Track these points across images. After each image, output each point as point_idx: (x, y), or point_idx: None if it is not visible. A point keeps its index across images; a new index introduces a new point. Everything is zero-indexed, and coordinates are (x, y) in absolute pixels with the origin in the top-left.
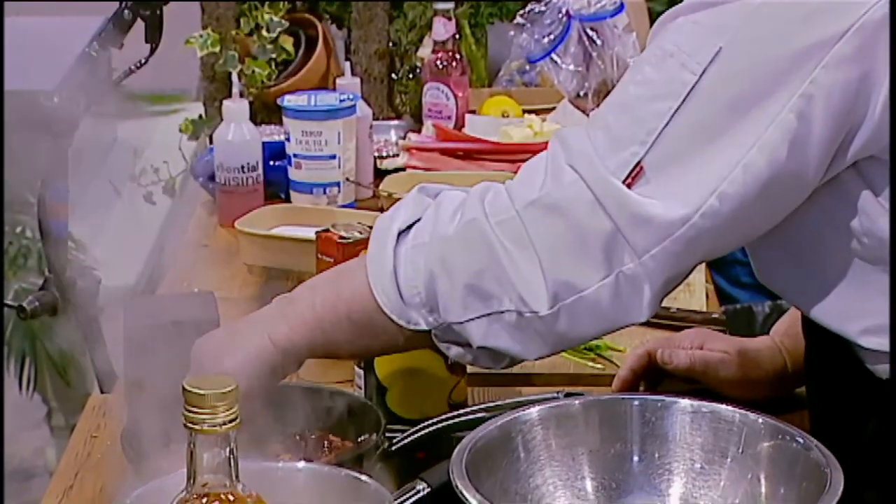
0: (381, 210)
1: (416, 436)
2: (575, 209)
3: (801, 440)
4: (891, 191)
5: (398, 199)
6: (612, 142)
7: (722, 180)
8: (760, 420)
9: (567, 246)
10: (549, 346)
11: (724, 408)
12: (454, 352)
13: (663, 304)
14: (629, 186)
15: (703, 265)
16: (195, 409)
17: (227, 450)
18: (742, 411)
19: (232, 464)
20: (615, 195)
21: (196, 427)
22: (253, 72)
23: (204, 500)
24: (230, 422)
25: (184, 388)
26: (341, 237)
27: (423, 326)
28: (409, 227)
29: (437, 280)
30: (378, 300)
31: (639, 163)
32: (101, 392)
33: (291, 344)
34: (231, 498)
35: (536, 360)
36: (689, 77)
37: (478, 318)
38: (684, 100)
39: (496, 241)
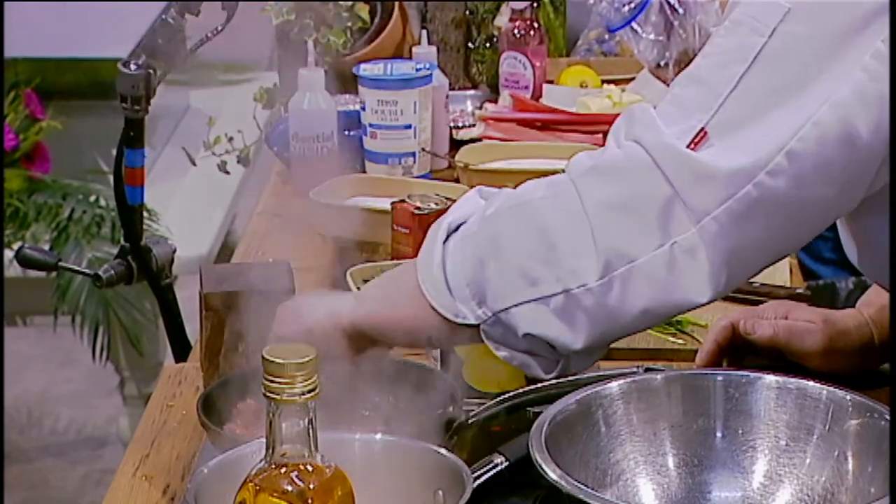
0: (457, 181)
1: (492, 409)
2: (631, 173)
3: (889, 417)
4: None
5: (474, 171)
6: (677, 110)
7: (791, 137)
8: (848, 397)
9: (620, 211)
10: (598, 327)
11: (810, 384)
12: (503, 353)
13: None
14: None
15: None
16: (274, 379)
17: (306, 420)
18: (829, 388)
19: (311, 434)
20: (675, 156)
21: (275, 396)
22: (328, 40)
23: (282, 469)
24: (309, 392)
25: (263, 358)
26: (417, 208)
27: (472, 320)
28: (461, 225)
29: (485, 267)
30: (426, 294)
31: (703, 128)
32: (176, 361)
33: (354, 326)
34: (310, 468)
35: (583, 349)
36: (756, 40)
37: (524, 303)
38: (752, 62)
39: (547, 217)
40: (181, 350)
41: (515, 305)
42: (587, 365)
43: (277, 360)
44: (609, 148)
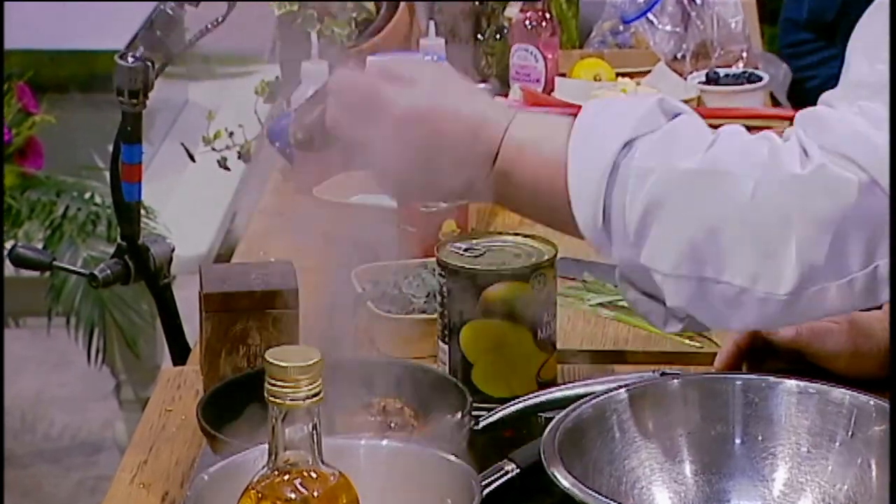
0: None
1: (502, 414)
2: (848, 190)
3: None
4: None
5: None
6: (878, 122)
7: None
8: (871, 402)
9: (831, 229)
10: (760, 325)
11: (832, 389)
12: (631, 296)
13: None
14: None
15: None
16: (277, 383)
17: (310, 425)
18: (852, 392)
19: (315, 440)
20: None
21: (278, 401)
22: (332, 31)
23: (286, 476)
24: (313, 396)
25: (266, 361)
26: (424, 206)
27: (613, 256)
28: (636, 141)
29: (653, 218)
30: (574, 207)
31: None
32: (174, 364)
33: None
34: (314, 475)
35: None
36: None
37: (686, 278)
38: None
39: (748, 201)
40: (180, 352)
41: (674, 276)
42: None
43: (280, 363)
44: (814, 155)
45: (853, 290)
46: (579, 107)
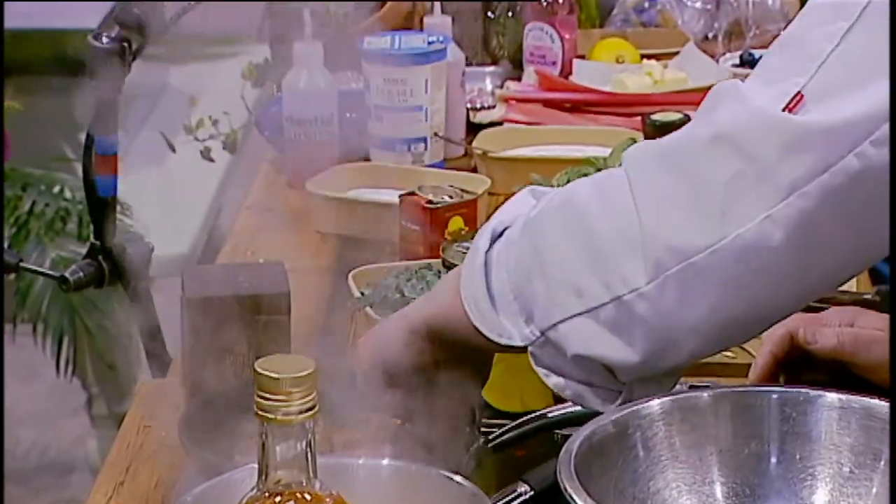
0: (474, 170)
1: (515, 432)
2: (691, 151)
3: None
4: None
5: (493, 158)
6: (769, 76)
7: None
8: None
9: (671, 200)
10: (656, 336)
11: (877, 403)
12: (554, 382)
13: None
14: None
15: None
16: (268, 396)
17: (304, 442)
18: None
19: (309, 458)
20: (764, 122)
21: (269, 416)
22: (328, 9)
23: (277, 498)
24: (307, 410)
25: (255, 372)
26: (428, 201)
27: (518, 341)
28: (507, 230)
29: (531, 279)
30: (466, 309)
31: (799, 91)
32: (153, 376)
33: (424, 324)
34: (308, 497)
35: (643, 366)
36: None
37: (571, 317)
38: (858, 17)
39: (594, 217)
40: (159, 363)
41: (562, 321)
42: (654, 393)
43: (271, 375)
44: (680, 131)
45: (722, 264)
46: (598, 91)
